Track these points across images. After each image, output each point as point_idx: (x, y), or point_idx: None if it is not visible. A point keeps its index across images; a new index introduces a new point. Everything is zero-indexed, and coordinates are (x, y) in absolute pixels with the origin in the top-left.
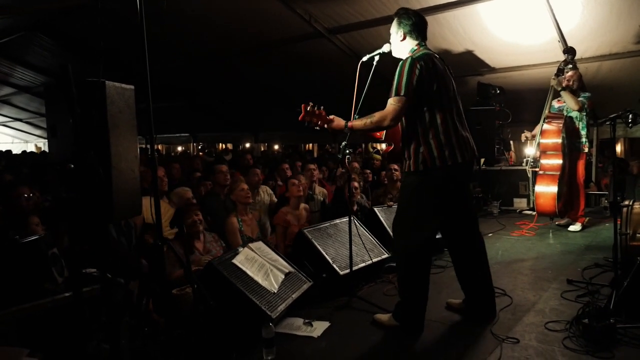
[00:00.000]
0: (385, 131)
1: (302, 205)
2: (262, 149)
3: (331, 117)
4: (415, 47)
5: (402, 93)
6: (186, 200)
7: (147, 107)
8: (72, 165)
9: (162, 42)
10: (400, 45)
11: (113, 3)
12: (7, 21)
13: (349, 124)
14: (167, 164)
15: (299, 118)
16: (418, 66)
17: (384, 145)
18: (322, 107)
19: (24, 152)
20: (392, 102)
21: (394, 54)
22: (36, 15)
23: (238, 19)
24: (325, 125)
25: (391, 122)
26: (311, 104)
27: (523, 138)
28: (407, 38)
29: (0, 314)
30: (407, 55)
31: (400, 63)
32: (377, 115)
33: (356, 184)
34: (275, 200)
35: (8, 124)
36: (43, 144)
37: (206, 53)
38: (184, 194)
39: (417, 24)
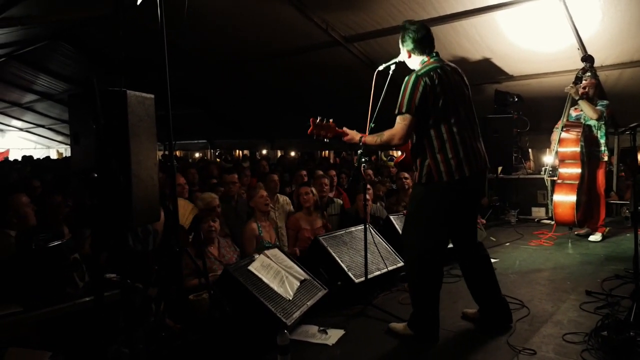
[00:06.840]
0: None
1: (317, 212)
2: (279, 154)
3: (343, 129)
4: (426, 59)
5: (404, 110)
6: (209, 207)
7: (166, 115)
8: (96, 174)
9: (180, 50)
10: (409, 59)
11: (133, 13)
12: (32, 30)
13: (363, 139)
14: (184, 170)
15: (308, 132)
16: (422, 82)
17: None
18: (330, 120)
19: (47, 157)
20: (398, 121)
21: (408, 65)
22: (59, 25)
23: (255, 28)
24: (342, 137)
25: (399, 141)
26: (319, 118)
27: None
28: (413, 55)
29: (23, 317)
30: (417, 68)
31: (405, 80)
32: (386, 134)
33: (367, 196)
34: (293, 209)
35: (31, 130)
36: (64, 150)
37: (223, 60)
38: (210, 201)
39: (420, 40)
